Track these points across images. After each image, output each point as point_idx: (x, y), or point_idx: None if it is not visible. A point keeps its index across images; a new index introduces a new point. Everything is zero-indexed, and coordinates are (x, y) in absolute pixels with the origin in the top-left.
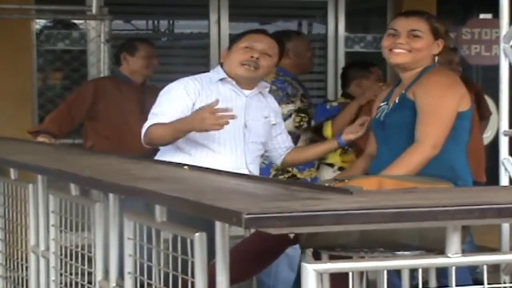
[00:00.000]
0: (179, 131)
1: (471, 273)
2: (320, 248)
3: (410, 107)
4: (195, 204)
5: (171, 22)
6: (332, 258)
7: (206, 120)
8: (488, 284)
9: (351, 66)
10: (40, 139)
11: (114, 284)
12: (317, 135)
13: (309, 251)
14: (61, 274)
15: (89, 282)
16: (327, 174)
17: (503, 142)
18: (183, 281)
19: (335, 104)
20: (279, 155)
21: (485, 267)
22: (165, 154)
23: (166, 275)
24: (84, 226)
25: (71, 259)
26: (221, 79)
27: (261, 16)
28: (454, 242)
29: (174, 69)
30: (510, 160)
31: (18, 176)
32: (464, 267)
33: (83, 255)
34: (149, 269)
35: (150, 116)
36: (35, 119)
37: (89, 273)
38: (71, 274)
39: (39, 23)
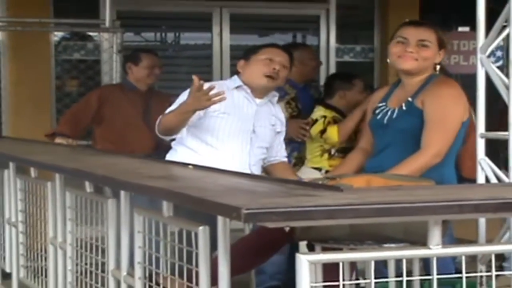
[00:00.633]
0: (184, 112)
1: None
2: (314, 240)
3: (417, 115)
4: (199, 200)
5: (177, 34)
6: (325, 249)
7: (201, 100)
8: (466, 272)
9: (334, 78)
10: (58, 140)
11: (125, 273)
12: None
13: (303, 243)
14: (77, 264)
15: (102, 271)
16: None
17: (480, 144)
18: (188, 270)
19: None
20: (269, 161)
21: (463, 258)
22: (177, 154)
23: (173, 265)
24: (97, 220)
25: (86, 250)
26: (236, 87)
27: (259, 28)
28: (435, 235)
29: (179, 77)
30: (486, 160)
31: (37, 175)
32: (447, 258)
33: (97, 247)
34: (157, 259)
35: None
36: (53, 123)
37: (102, 263)
38: (86, 264)
39: (57, 35)
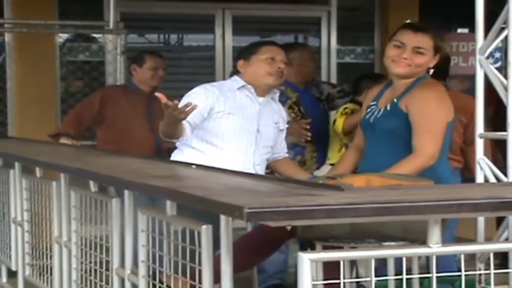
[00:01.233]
0: (170, 124)
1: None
2: (315, 239)
3: (400, 117)
4: (202, 199)
5: (180, 36)
6: (326, 248)
7: (174, 116)
8: (465, 271)
9: (363, 78)
10: (63, 141)
11: (129, 272)
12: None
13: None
14: (81, 262)
15: (107, 270)
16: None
17: (479, 144)
18: (191, 269)
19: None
20: (272, 158)
21: (462, 256)
22: (183, 154)
23: (176, 264)
24: (102, 220)
25: (90, 249)
26: (241, 87)
27: (261, 30)
28: (435, 233)
29: (183, 78)
30: (485, 160)
31: (42, 174)
32: (450, 256)
33: (101, 245)
34: (161, 258)
35: None
36: (58, 123)
37: (107, 262)
38: (90, 262)
39: (61, 36)
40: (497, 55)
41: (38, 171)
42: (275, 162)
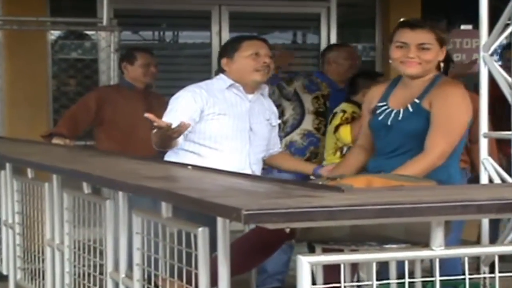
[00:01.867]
0: (164, 139)
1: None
2: (314, 241)
3: (425, 117)
4: (198, 201)
5: (175, 33)
6: (325, 251)
7: (169, 136)
8: (470, 274)
9: (359, 76)
10: (55, 141)
11: (123, 275)
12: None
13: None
14: (74, 266)
15: (101, 273)
16: None
17: (483, 144)
18: (188, 272)
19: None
20: (268, 154)
21: (466, 259)
22: (177, 156)
23: (172, 267)
24: (95, 222)
25: (83, 252)
26: (230, 86)
27: (259, 27)
28: (438, 236)
29: (178, 77)
30: (489, 160)
31: (34, 176)
32: (455, 259)
33: (94, 249)
34: (156, 261)
35: None
36: (50, 123)
37: (101, 265)
38: (83, 265)
39: (53, 34)
40: None
41: (29, 172)
42: (271, 157)
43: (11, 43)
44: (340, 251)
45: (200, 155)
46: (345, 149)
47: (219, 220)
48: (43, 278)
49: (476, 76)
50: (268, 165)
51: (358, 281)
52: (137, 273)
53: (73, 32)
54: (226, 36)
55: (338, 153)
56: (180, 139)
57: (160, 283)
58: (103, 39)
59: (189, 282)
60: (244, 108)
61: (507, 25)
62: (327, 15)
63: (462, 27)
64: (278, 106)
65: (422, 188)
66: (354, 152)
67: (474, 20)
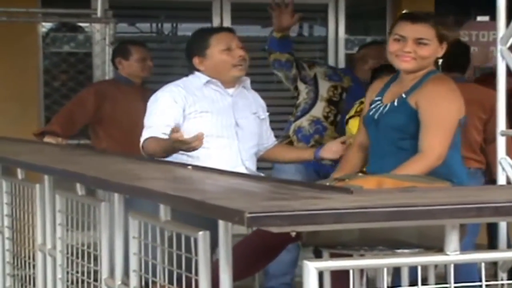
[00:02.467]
0: (167, 152)
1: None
2: (321, 246)
3: (408, 114)
4: (199, 203)
5: (174, 25)
6: (333, 256)
7: (181, 148)
8: (486, 280)
9: (382, 69)
10: (47, 139)
11: (119, 282)
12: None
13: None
14: (67, 272)
15: (95, 280)
16: None
17: (501, 142)
18: (187, 278)
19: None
20: (263, 149)
21: (483, 265)
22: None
23: (171, 273)
24: (90, 225)
25: (77, 258)
26: (206, 82)
27: (262, 19)
28: (452, 240)
29: (177, 71)
30: (507, 159)
31: (25, 176)
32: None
33: (89, 254)
34: (154, 267)
35: (144, 128)
36: (41, 120)
37: (95, 271)
38: (77, 272)
39: (45, 26)
40: None
41: (19, 173)
42: (268, 152)
43: (0, 35)
44: (349, 256)
45: (189, 155)
46: None
47: (221, 224)
48: (34, 286)
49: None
50: (267, 161)
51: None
52: (133, 279)
53: (65, 24)
54: None
55: None
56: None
57: None
58: (97, 31)
59: None
60: (226, 103)
61: None
62: (335, 5)
63: (478, 18)
64: (296, 88)
65: (436, 189)
66: (352, 151)
67: (491, 11)
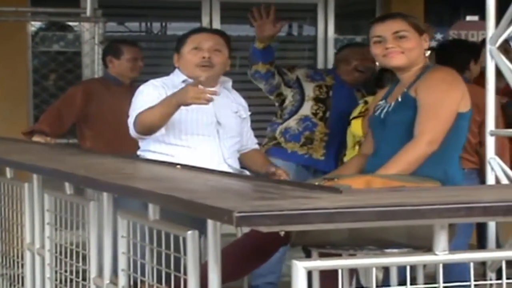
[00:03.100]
0: (166, 106)
1: None
2: (310, 245)
3: (412, 106)
4: (188, 202)
5: (163, 24)
6: (322, 255)
7: (189, 93)
8: (475, 280)
9: (386, 70)
10: (36, 138)
11: (108, 281)
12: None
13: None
14: (56, 271)
15: (84, 279)
16: None
17: (490, 142)
18: (176, 278)
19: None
20: (243, 149)
21: (471, 264)
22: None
23: (159, 273)
24: (78, 224)
25: (65, 257)
26: (183, 81)
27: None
28: (441, 239)
29: (166, 70)
30: (496, 159)
31: (13, 175)
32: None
33: (77, 253)
34: (142, 266)
35: (130, 114)
36: (30, 119)
37: (84, 271)
38: (65, 271)
39: (34, 25)
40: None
41: (8, 172)
42: (242, 156)
43: None
44: (338, 255)
45: (169, 154)
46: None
47: (210, 223)
48: (23, 285)
49: None
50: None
51: (356, 287)
52: (122, 279)
53: (55, 23)
54: (217, 27)
55: (357, 147)
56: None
57: None
58: (86, 30)
59: None
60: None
61: None
62: (324, 5)
63: (468, 18)
64: (279, 94)
65: (425, 189)
66: (356, 159)
67: (481, 10)
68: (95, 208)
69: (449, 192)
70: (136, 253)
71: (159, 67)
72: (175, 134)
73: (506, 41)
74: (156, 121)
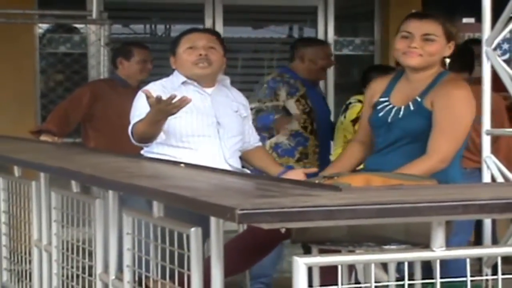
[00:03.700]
0: (154, 123)
1: None
2: (310, 242)
3: (426, 116)
4: (191, 200)
5: (167, 26)
6: (322, 251)
7: (157, 113)
8: (471, 276)
9: (372, 70)
10: (43, 138)
11: (113, 277)
12: None
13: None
14: (62, 267)
15: (90, 275)
16: None
17: (486, 141)
18: (180, 274)
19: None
20: (245, 146)
21: (468, 260)
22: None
23: (163, 268)
24: (84, 222)
25: (72, 253)
26: (183, 82)
27: (254, 20)
28: (438, 236)
29: (169, 72)
30: (492, 158)
31: (21, 174)
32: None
33: (83, 249)
34: (147, 262)
35: (131, 121)
36: (38, 119)
37: (90, 267)
38: (72, 267)
39: (41, 27)
40: (505, 46)
41: (16, 170)
42: (246, 153)
43: None
44: (338, 252)
45: (171, 156)
46: None
47: (213, 220)
48: (30, 280)
49: None
50: (243, 160)
51: (356, 283)
52: (127, 274)
53: (61, 25)
54: (219, 30)
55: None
56: (162, 132)
57: (151, 285)
58: (92, 32)
59: (181, 284)
60: (206, 103)
61: (511, 18)
62: (324, 8)
63: (464, 20)
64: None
65: (423, 187)
66: (351, 147)
67: (477, 12)
68: (101, 206)
69: (446, 190)
70: (141, 250)
71: (162, 68)
72: (176, 137)
73: None
74: (148, 135)
